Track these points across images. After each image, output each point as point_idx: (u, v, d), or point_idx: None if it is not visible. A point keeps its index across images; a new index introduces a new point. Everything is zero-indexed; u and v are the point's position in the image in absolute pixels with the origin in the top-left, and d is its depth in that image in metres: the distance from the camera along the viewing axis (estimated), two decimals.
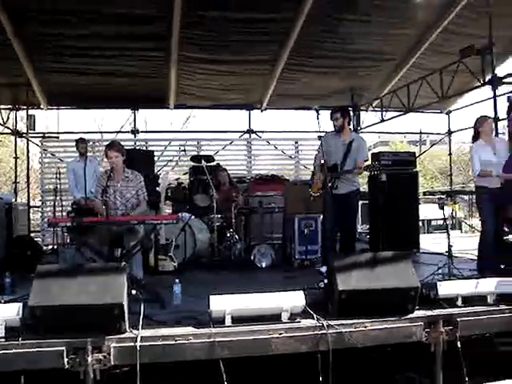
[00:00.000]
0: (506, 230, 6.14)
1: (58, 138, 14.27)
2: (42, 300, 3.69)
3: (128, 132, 13.48)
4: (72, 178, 8.56)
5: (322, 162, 6.42)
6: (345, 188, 6.36)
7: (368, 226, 9.74)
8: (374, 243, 8.58)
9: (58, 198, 9.33)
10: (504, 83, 8.69)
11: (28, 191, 13.28)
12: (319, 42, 10.52)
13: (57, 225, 5.70)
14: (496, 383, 3.29)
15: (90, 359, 3.57)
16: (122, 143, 6.31)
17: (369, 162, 6.50)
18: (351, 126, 6.77)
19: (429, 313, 4.34)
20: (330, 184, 6.20)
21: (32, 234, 11.61)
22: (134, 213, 5.74)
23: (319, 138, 6.37)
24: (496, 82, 8.42)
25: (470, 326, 4.40)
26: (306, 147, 13.79)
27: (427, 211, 15.09)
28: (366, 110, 13.83)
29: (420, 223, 10.85)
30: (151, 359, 3.73)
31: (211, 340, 3.80)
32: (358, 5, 9.33)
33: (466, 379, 4.17)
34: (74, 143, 12.55)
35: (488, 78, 8.77)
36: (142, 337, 3.70)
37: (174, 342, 3.78)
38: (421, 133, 17.34)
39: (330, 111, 6.58)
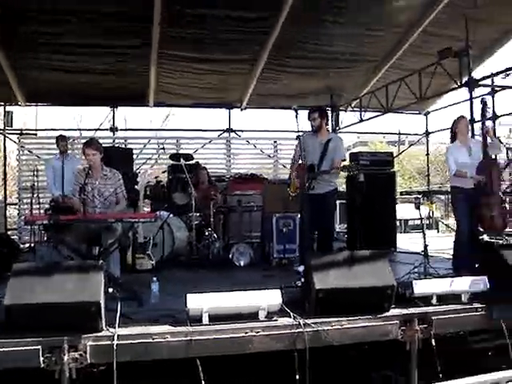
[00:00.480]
0: (481, 229, 6.23)
1: (35, 134, 14.15)
2: (17, 299, 3.66)
3: (107, 130, 13.39)
4: (51, 176, 8.46)
5: (300, 162, 6.45)
6: (322, 188, 6.36)
7: (346, 226, 9.80)
8: (352, 242, 8.65)
9: (35, 195, 9.24)
10: (480, 85, 8.83)
11: (5, 188, 13.13)
12: (299, 43, 10.56)
13: (34, 222, 5.66)
14: (466, 378, 3.34)
15: (66, 358, 3.54)
16: (101, 141, 6.28)
17: (346, 163, 6.52)
18: (329, 126, 6.75)
19: (404, 311, 4.40)
20: (306, 184, 6.21)
21: (9, 232, 11.48)
22: (112, 211, 5.71)
23: (297, 137, 6.38)
24: (472, 84, 8.55)
25: (445, 325, 4.46)
26: (285, 147, 13.84)
27: (404, 211, 15.20)
28: (345, 110, 13.90)
29: (397, 223, 10.96)
30: (128, 358, 3.71)
31: (188, 338, 3.80)
32: (338, 6, 9.40)
33: (440, 376, 4.23)
34: (52, 140, 12.48)
35: (465, 80, 8.89)
36: (118, 335, 3.69)
37: (151, 341, 3.78)
38: (399, 133, 17.49)
39: (307, 111, 6.59)
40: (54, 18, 8.78)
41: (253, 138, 14.22)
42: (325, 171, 6.36)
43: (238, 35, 10.01)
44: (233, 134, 13.98)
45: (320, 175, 6.34)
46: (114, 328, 3.76)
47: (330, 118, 6.74)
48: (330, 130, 6.77)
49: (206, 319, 3.96)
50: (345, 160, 6.63)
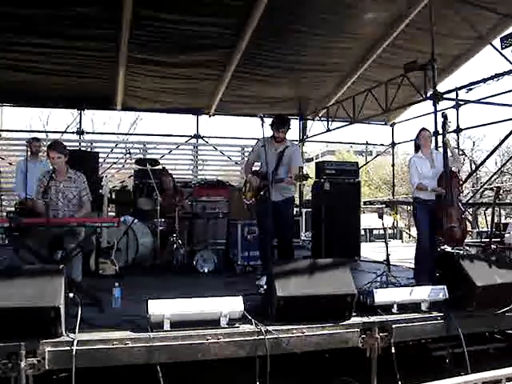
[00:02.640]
0: (441, 239, 6.35)
1: (0, 135, 13.92)
2: None
3: (73, 133, 13.25)
4: (20, 178, 8.27)
5: (256, 169, 6.45)
6: (277, 196, 6.23)
7: (311, 234, 9.86)
8: (317, 251, 8.71)
9: None
10: (444, 99, 9.01)
11: None
12: (268, 51, 10.67)
13: None
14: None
15: (23, 364, 3.47)
16: (67, 144, 6.20)
17: (296, 172, 6.40)
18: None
19: (365, 319, 4.44)
20: (262, 192, 6.15)
21: None
22: (77, 214, 5.65)
23: (257, 141, 6.36)
24: (437, 97, 8.72)
25: (404, 333, 4.53)
26: None
27: (370, 220, 15.44)
28: (313, 120, 14.06)
29: (362, 232, 11.10)
30: (88, 363, 3.66)
31: (149, 344, 3.78)
32: (307, 17, 9.52)
33: (400, 383, 4.29)
34: (17, 142, 12.33)
35: (430, 93, 9.07)
36: (78, 341, 3.63)
37: (111, 346, 3.74)
38: (366, 143, 17.74)
39: (273, 119, 6.44)
40: (23, 16, 8.65)
41: (220, 144, 14.26)
42: (278, 180, 6.25)
43: (207, 41, 10.05)
44: (200, 141, 14.00)
45: (274, 184, 6.20)
46: (74, 333, 3.71)
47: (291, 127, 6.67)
48: (289, 138, 6.70)
49: (167, 325, 3.94)
50: (302, 168, 6.56)
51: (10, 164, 11.74)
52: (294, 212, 12.04)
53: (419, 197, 6.24)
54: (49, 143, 6.00)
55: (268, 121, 6.21)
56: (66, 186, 5.73)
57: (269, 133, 6.28)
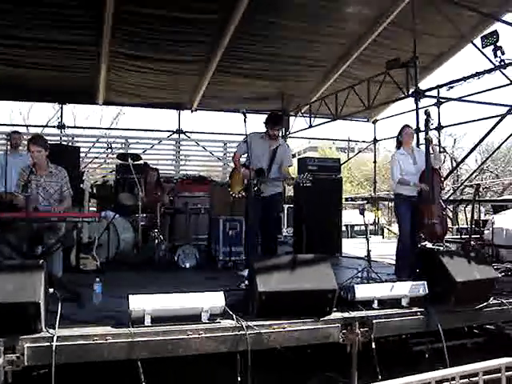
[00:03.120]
0: (422, 236, 6.41)
1: None
2: None
3: (54, 127, 13.12)
4: None
5: (246, 163, 6.47)
6: (268, 191, 6.34)
7: (293, 230, 9.89)
8: (298, 246, 8.73)
9: None
10: (426, 96, 9.10)
11: None
12: (251, 46, 10.66)
13: None
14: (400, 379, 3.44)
15: (1, 360, 3.43)
16: (48, 138, 6.14)
17: (295, 174, 6.46)
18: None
19: (346, 315, 4.47)
20: (255, 188, 6.17)
21: None
22: (57, 209, 5.60)
23: (246, 136, 6.40)
24: (418, 94, 8.80)
25: (384, 328, 4.57)
26: (235, 149, 13.85)
27: (351, 216, 15.50)
28: (295, 116, 14.08)
29: (343, 228, 11.15)
30: (68, 359, 3.63)
31: (130, 340, 3.76)
32: (290, 11, 9.53)
33: (379, 377, 4.32)
34: None
35: (412, 90, 9.14)
36: (58, 336, 3.60)
37: (91, 342, 3.71)
38: (348, 140, 17.86)
39: (268, 116, 6.51)
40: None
41: (202, 140, 14.22)
42: (276, 179, 6.36)
43: (190, 36, 10.02)
44: (182, 136, 13.94)
45: (270, 182, 6.31)
46: (54, 329, 3.68)
47: None
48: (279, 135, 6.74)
49: (148, 321, 3.92)
50: (291, 166, 6.64)
51: None
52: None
53: (401, 193, 6.29)
54: (30, 137, 5.93)
55: (250, 116, 6.24)
56: (47, 181, 5.68)
57: (251, 128, 6.31)
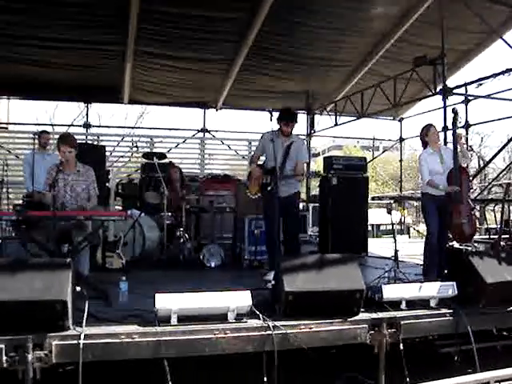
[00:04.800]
0: (450, 236, 6.31)
1: (6, 128, 13.94)
2: None
3: (80, 126, 13.25)
4: (28, 171, 8.23)
5: (260, 162, 6.40)
6: (285, 190, 6.16)
7: (318, 229, 9.83)
8: (324, 246, 8.68)
9: (4, 190, 9.06)
10: (454, 94, 8.94)
11: None
12: (276, 45, 10.63)
13: (0, 218, 5.54)
14: (432, 382, 3.39)
15: (30, 357, 3.46)
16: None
17: (303, 167, 6.36)
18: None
19: (373, 315, 4.42)
20: (269, 188, 6.09)
21: None
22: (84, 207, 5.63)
23: (262, 136, 6.31)
24: (446, 92, 8.65)
25: (413, 329, 4.51)
26: None
27: (377, 216, 15.37)
28: (321, 114, 13.99)
29: (369, 227, 11.05)
30: (94, 357, 3.65)
31: (156, 339, 3.76)
32: (315, 11, 9.47)
33: (407, 380, 4.26)
34: (23, 135, 12.33)
35: (439, 87, 9.00)
36: (85, 334, 3.62)
37: (118, 341, 3.73)
38: (374, 139, 17.68)
39: (280, 112, 6.35)
40: (30, 8, 8.65)
41: (227, 138, 14.21)
42: (288, 176, 6.23)
43: (215, 35, 10.04)
44: (207, 134, 13.96)
45: (284, 179, 6.17)
46: (81, 327, 3.69)
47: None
48: (296, 132, 6.63)
49: (174, 320, 3.93)
50: (307, 163, 6.49)
51: (17, 157, 11.75)
52: (301, 207, 12.07)
53: (429, 192, 6.19)
54: (60, 136, 5.95)
55: (276, 115, 6.15)
56: (75, 180, 5.71)
57: (275, 126, 6.23)
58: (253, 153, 6.83)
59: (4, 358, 3.44)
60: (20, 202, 8.31)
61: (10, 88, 11.88)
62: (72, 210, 5.55)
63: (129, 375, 4.11)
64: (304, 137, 14.23)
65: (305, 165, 6.64)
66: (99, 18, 9.17)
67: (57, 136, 9.85)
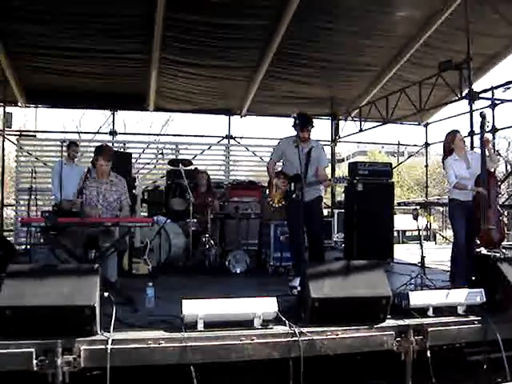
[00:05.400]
0: (478, 242, 6.22)
1: (35, 136, 14.15)
2: (12, 300, 3.64)
3: (106, 133, 13.41)
4: (57, 181, 8.31)
5: (280, 169, 6.37)
6: (308, 196, 6.07)
7: (343, 235, 9.79)
8: (349, 252, 8.64)
9: (32, 197, 9.22)
10: (480, 98, 8.85)
11: (2, 190, 13.03)
12: (300, 51, 10.63)
13: (30, 224, 5.63)
14: None
15: (59, 361, 3.52)
16: (99, 144, 6.24)
17: (324, 172, 6.35)
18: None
19: (400, 322, 4.38)
20: (294, 195, 6.02)
21: (5, 233, 11.45)
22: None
23: (279, 141, 6.32)
24: (473, 96, 8.57)
25: (440, 336, 4.45)
26: None
27: (402, 222, 15.23)
28: (345, 120, 13.95)
29: (395, 233, 10.95)
30: (122, 362, 3.69)
31: (183, 344, 3.78)
32: (339, 15, 9.47)
33: None
34: (50, 142, 12.51)
35: (465, 92, 8.92)
36: (113, 339, 3.66)
37: (145, 346, 3.75)
38: (399, 144, 17.55)
39: (296, 118, 6.09)
40: (52, 18, 8.81)
41: (252, 145, 14.23)
42: (313, 182, 6.18)
43: (239, 43, 10.10)
44: (232, 141, 14.00)
45: (309, 186, 6.09)
46: (109, 332, 3.74)
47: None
48: (321, 138, 6.59)
49: (201, 325, 3.94)
50: (327, 167, 6.43)
51: (45, 164, 11.93)
52: (326, 213, 12.03)
53: (456, 198, 6.13)
54: (98, 148, 6.00)
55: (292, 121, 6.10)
56: (108, 189, 5.79)
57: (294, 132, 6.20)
58: (268, 161, 6.74)
59: (34, 361, 3.49)
60: (48, 208, 8.42)
61: (38, 96, 12.10)
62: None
63: (155, 381, 4.12)
64: (329, 142, 14.21)
65: (327, 170, 6.60)
66: (124, 26, 9.29)
67: (84, 143, 10.02)
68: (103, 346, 3.63)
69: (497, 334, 4.47)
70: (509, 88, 9.06)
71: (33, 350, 3.51)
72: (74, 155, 8.23)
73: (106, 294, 4.20)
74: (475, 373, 4.68)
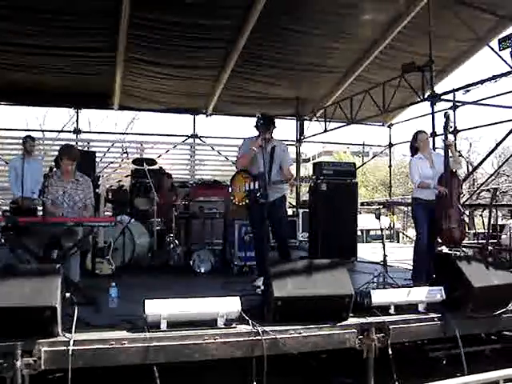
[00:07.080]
0: (439, 241, 6.35)
1: None
2: None
3: (70, 132, 13.22)
4: (13, 176, 8.19)
5: (243, 168, 6.38)
6: (272, 195, 6.09)
7: (308, 235, 9.85)
8: (314, 251, 8.70)
9: None
10: (442, 100, 9.02)
11: None
12: (266, 52, 10.68)
13: None
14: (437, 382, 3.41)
15: (18, 364, 3.44)
16: (64, 143, 6.17)
17: (289, 172, 6.39)
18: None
19: (362, 320, 4.43)
20: (258, 194, 5.99)
21: None
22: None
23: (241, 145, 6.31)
24: (434, 98, 8.73)
25: (401, 334, 4.52)
26: None
27: (366, 221, 15.41)
28: (310, 120, 14.05)
29: (359, 232, 11.09)
30: (84, 363, 3.64)
31: (146, 345, 3.76)
32: (305, 17, 9.53)
33: None
34: (13, 140, 12.29)
35: (427, 94, 9.08)
36: (74, 340, 3.60)
37: (108, 346, 3.71)
38: (363, 144, 17.79)
39: (258, 119, 6.22)
40: (18, 15, 8.65)
41: (217, 144, 14.23)
42: (277, 181, 6.21)
43: (205, 42, 10.07)
44: (197, 140, 13.97)
45: (272, 185, 6.08)
46: (71, 333, 3.68)
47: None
48: (286, 138, 6.63)
49: (164, 325, 3.92)
50: (292, 165, 6.47)
51: (6, 163, 11.70)
52: (291, 212, 12.08)
53: (419, 197, 6.24)
54: (62, 148, 5.91)
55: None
56: (73, 188, 5.74)
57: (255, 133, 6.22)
58: (237, 158, 6.75)
59: None
60: (7, 207, 8.27)
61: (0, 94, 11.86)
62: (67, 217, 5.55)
63: (119, 381, 4.10)
64: (294, 142, 14.30)
65: (291, 169, 6.63)
66: (89, 24, 9.17)
67: (47, 142, 9.90)
68: (64, 348, 3.57)
69: (456, 330, 4.57)
70: (469, 90, 9.25)
71: None
72: (31, 149, 8.10)
73: (67, 295, 4.15)
74: (435, 368, 4.78)
